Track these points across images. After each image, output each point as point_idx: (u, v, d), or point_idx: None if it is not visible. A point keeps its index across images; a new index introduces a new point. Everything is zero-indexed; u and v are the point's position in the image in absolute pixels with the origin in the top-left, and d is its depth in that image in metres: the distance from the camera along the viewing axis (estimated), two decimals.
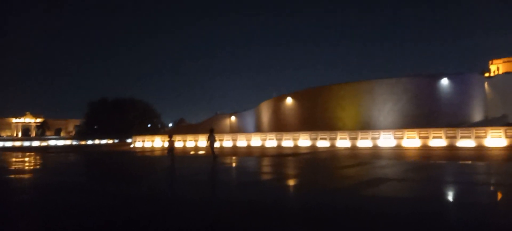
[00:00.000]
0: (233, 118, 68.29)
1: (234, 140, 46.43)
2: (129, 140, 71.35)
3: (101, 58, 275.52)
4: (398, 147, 34.34)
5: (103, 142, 78.16)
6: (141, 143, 56.00)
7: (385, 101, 46.53)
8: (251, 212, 6.90)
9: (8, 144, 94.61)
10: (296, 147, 39.77)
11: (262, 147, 41.60)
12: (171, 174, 15.23)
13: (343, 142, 38.56)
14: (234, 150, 38.39)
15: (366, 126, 45.53)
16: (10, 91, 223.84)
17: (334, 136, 39.43)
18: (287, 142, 42.39)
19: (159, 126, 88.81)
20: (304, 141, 41.35)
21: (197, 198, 8.76)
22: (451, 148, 32.06)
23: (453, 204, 8.12)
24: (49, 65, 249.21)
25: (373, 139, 36.86)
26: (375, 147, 35.16)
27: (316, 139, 40.63)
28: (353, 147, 36.48)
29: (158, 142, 53.76)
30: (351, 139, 38.25)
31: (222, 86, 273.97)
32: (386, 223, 6.32)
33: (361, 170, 14.57)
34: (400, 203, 8.05)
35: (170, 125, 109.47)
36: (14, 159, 29.18)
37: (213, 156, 21.69)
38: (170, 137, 24.51)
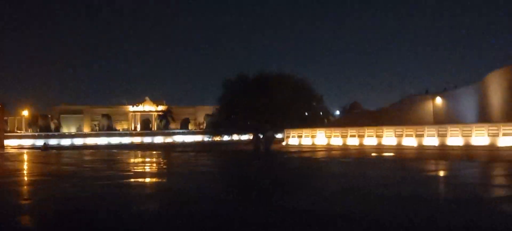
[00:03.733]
0: (438, 100, 65.37)
1: (442, 135, 44.34)
2: (279, 135, 74.87)
3: (239, 30, 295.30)
4: None
5: (245, 137, 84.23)
6: (296, 139, 58.25)
7: None
8: None
9: (126, 140, 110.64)
10: None
11: (492, 147, 38.60)
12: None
13: None
14: (443, 151, 36.64)
15: None
16: (126, 74, 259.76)
17: None
18: None
19: (321, 113, 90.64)
20: None
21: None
22: None
23: None
24: (171, 41, 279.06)
25: None
26: None
27: None
28: None
29: (321, 138, 55.16)
30: None
31: (412, 58, 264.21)
32: None
33: None
34: None
35: (337, 112, 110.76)
36: (134, 161, 33.77)
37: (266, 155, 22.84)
38: None
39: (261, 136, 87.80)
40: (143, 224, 9.45)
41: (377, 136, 49.33)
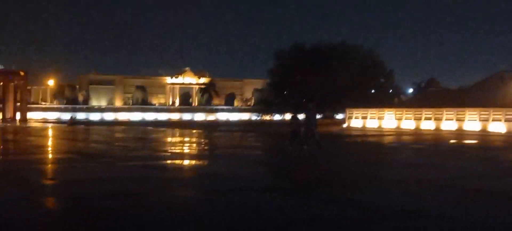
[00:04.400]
0: None
1: None
2: (339, 116, 74.12)
3: None
4: None
5: (300, 116, 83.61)
6: (360, 120, 57.61)
7: None
8: None
9: (162, 116, 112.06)
10: None
11: None
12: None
13: None
14: None
15: None
16: (164, 41, 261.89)
17: None
18: None
19: (391, 91, 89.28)
20: None
21: None
22: None
23: None
24: (215, 5, 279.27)
25: None
26: None
27: None
28: None
29: (390, 120, 54.38)
30: None
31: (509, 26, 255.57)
32: None
33: None
34: None
35: (410, 90, 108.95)
36: (171, 140, 34.13)
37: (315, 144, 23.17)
38: None
39: (320, 116, 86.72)
40: (176, 212, 9.47)
41: (458, 120, 48.31)
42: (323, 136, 26.75)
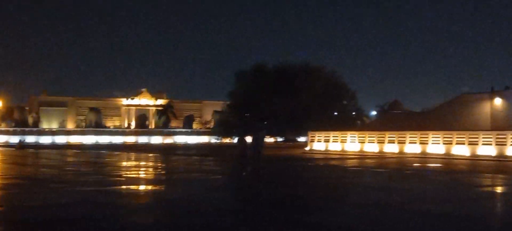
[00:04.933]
0: (497, 101, 64.41)
1: (501, 144, 43.53)
2: (302, 139, 74.17)
3: (258, 14, 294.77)
4: None
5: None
6: (322, 143, 57.67)
7: None
8: None
9: (117, 139, 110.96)
10: None
11: None
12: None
13: None
14: (501, 163, 35.99)
15: None
16: (120, 61, 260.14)
17: None
18: None
19: (354, 113, 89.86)
20: None
21: None
22: None
23: None
24: (173, 24, 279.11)
25: None
26: None
27: None
28: None
29: (353, 143, 54.58)
30: None
31: (473, 51, 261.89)
32: None
33: None
34: None
35: (373, 112, 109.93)
36: (125, 164, 33.57)
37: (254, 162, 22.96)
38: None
39: (282, 139, 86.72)
40: None
41: (421, 142, 48.66)
42: (283, 159, 26.64)
